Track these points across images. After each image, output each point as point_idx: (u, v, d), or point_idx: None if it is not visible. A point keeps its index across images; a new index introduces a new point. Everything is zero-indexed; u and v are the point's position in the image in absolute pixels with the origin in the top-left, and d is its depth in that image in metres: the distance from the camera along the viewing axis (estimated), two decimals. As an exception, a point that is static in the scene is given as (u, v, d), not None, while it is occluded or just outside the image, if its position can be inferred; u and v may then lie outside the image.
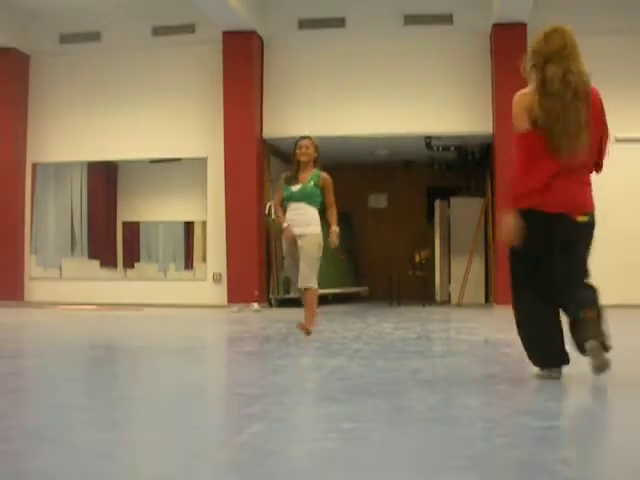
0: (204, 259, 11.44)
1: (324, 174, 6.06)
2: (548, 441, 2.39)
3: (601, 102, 3.54)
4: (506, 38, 10.23)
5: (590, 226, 3.51)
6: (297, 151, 6.06)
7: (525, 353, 3.63)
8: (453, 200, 12.89)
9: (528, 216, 3.44)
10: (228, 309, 10.16)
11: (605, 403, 3.12)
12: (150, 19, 11.41)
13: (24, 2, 11.37)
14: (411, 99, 10.94)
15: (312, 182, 6.02)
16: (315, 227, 5.98)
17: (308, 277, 5.83)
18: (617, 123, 10.14)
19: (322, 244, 5.99)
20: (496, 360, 4.51)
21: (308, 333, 5.77)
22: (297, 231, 5.93)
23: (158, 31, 11.41)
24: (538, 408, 3.16)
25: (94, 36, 11.61)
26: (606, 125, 3.57)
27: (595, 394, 3.40)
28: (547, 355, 3.58)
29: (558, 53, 3.48)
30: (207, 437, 2.47)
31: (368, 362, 4.44)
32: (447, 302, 12.49)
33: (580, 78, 3.46)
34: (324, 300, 11.68)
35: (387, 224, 14.91)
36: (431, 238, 13.41)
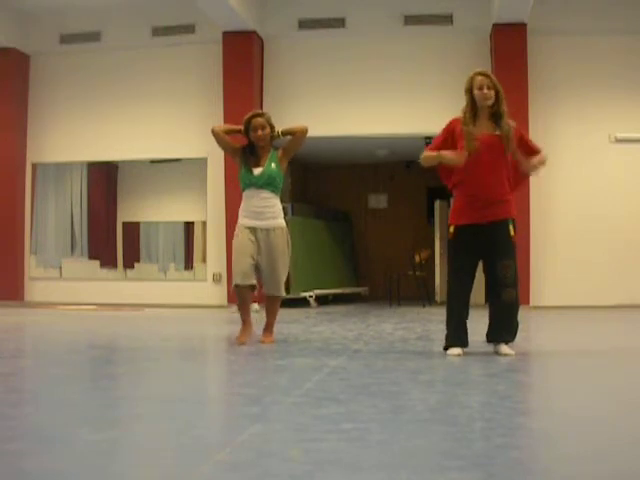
0: (204, 259, 11.43)
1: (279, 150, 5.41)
2: (548, 441, 2.39)
3: None
4: (506, 38, 10.24)
5: None
6: (252, 134, 5.33)
7: None
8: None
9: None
10: (228, 309, 10.15)
11: (605, 404, 3.12)
12: (150, 19, 11.42)
13: (24, 2, 11.37)
14: (411, 99, 10.93)
15: (273, 163, 5.33)
16: (282, 220, 5.35)
17: (282, 283, 5.38)
18: (616, 123, 10.29)
19: (290, 241, 5.38)
20: (496, 360, 4.51)
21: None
22: (262, 225, 5.26)
23: (158, 31, 11.42)
24: (538, 408, 3.16)
25: (94, 36, 11.62)
26: None
27: (596, 396, 3.40)
28: None
29: None
30: (207, 437, 2.47)
31: (368, 362, 4.44)
32: (447, 302, 12.46)
33: None
34: (324, 301, 11.67)
35: (387, 224, 14.90)
36: (431, 238, 13.40)
